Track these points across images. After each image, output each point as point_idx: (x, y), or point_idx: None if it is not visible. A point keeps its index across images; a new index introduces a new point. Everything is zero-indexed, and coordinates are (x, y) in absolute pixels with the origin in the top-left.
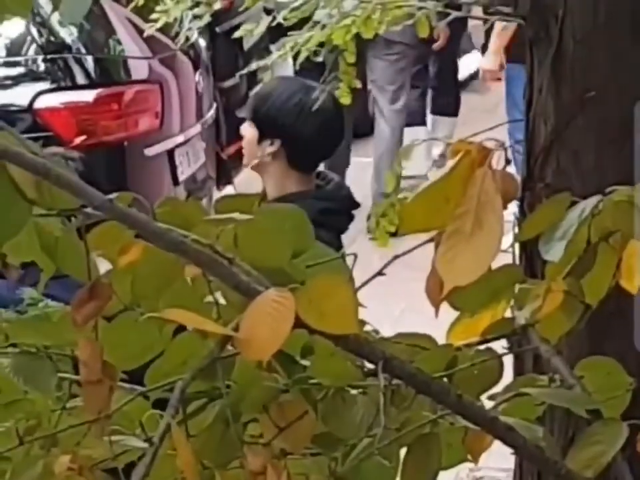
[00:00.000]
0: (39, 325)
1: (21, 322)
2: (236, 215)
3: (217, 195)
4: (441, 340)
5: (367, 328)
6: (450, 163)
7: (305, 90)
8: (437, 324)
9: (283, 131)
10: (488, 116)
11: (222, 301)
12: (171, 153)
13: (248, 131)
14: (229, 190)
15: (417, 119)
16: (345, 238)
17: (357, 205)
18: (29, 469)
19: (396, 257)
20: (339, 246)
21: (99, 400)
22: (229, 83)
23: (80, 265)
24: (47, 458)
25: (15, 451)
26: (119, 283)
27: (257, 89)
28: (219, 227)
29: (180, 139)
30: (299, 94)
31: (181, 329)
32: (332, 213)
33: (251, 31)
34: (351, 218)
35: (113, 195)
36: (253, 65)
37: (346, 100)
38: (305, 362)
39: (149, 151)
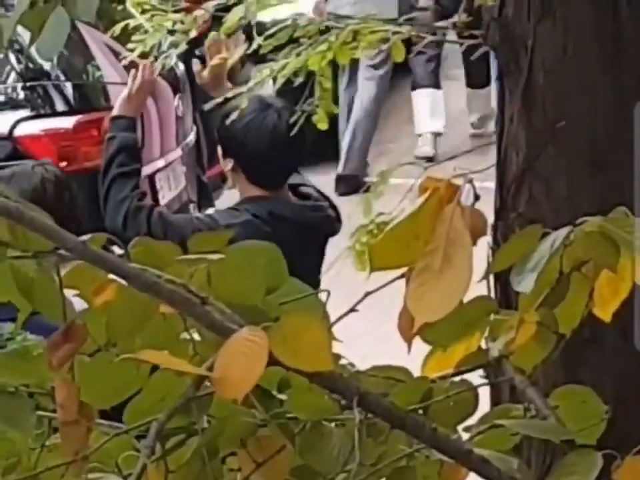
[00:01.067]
0: (17, 362)
1: (1, 359)
2: (208, 255)
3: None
4: (419, 366)
5: (343, 361)
6: (419, 200)
7: (259, 109)
8: (417, 347)
9: (232, 149)
10: None
11: (197, 337)
12: (151, 178)
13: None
14: (209, 212)
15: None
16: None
17: (333, 230)
18: None
19: (367, 293)
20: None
21: (76, 440)
22: (208, 106)
23: (56, 306)
24: None
25: None
26: (94, 323)
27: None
28: (192, 267)
29: (160, 163)
30: (251, 114)
31: (157, 366)
32: (282, 220)
33: (227, 58)
34: (318, 235)
35: (86, 237)
36: (229, 93)
37: (323, 125)
38: (281, 396)
39: None
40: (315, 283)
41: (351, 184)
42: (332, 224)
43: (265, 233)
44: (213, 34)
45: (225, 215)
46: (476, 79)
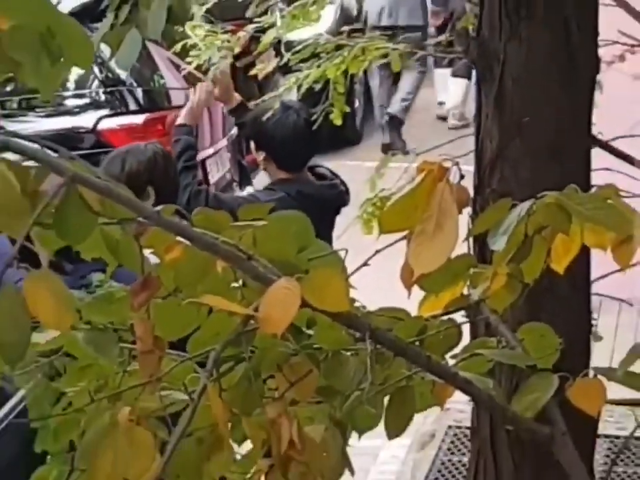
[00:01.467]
0: (105, 305)
1: (91, 303)
2: (253, 222)
3: (238, 193)
4: (414, 312)
5: (357, 304)
6: (417, 179)
7: (282, 111)
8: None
9: (264, 143)
10: None
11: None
12: (203, 162)
13: (252, 143)
14: (249, 190)
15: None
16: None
17: (344, 202)
18: (98, 419)
19: (377, 251)
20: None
21: (151, 366)
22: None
23: (136, 261)
24: (112, 410)
25: (88, 406)
26: (165, 275)
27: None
28: (241, 231)
29: (210, 151)
30: (277, 115)
31: (213, 308)
32: (306, 197)
33: (262, 69)
34: (332, 208)
35: (159, 207)
36: (265, 97)
37: (337, 121)
38: (309, 331)
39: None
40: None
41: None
42: (343, 198)
43: (294, 207)
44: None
45: (263, 194)
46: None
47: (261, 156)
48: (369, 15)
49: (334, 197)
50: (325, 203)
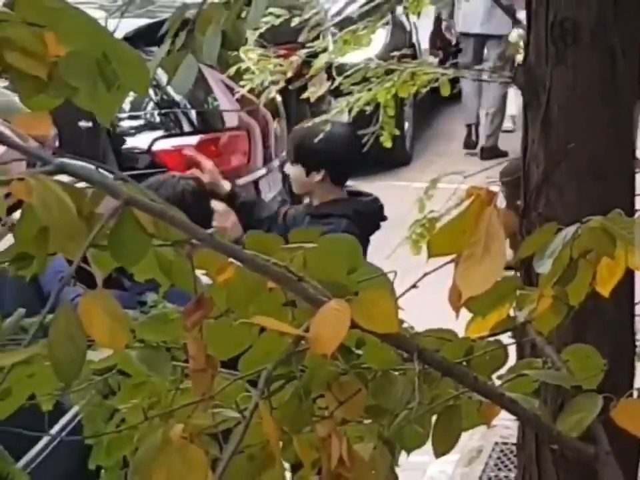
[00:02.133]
0: (158, 324)
1: (145, 322)
2: (304, 245)
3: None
4: (460, 333)
5: (405, 325)
6: (465, 203)
7: (328, 126)
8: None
9: (318, 162)
10: None
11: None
12: (256, 183)
13: (292, 170)
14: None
15: None
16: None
17: (384, 217)
18: (151, 436)
19: (425, 274)
20: (361, 238)
21: (204, 384)
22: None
23: (189, 281)
24: (165, 427)
25: (141, 423)
26: (217, 295)
27: (292, 138)
28: (292, 253)
29: (263, 171)
30: (327, 132)
31: (265, 328)
32: (361, 214)
33: (314, 92)
34: (376, 222)
35: (211, 230)
36: (317, 119)
37: (387, 143)
38: (358, 351)
39: (240, 182)
40: None
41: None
42: (383, 212)
43: (355, 228)
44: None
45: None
46: None
47: (317, 177)
48: (461, 21)
49: (378, 212)
50: (372, 218)
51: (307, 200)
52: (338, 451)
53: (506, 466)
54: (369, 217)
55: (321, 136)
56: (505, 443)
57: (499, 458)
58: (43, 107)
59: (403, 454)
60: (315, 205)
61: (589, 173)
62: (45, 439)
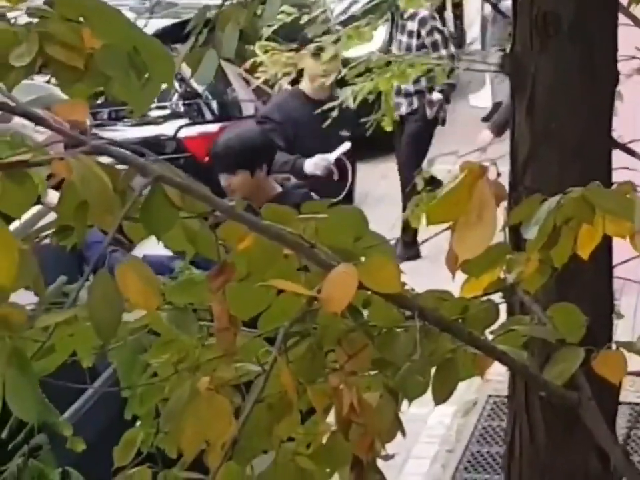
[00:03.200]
0: (185, 288)
1: (174, 286)
2: (315, 215)
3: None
4: (456, 295)
5: (407, 287)
6: (460, 177)
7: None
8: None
9: (266, 156)
10: None
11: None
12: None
13: (237, 180)
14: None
15: None
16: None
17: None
18: (180, 388)
19: (424, 240)
20: None
21: (227, 341)
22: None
23: (212, 249)
24: (192, 380)
25: (171, 375)
26: (238, 262)
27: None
28: (304, 223)
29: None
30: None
31: (281, 290)
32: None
33: (322, 82)
34: None
35: (231, 203)
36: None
37: (388, 127)
38: (365, 311)
39: None
40: None
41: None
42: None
43: None
44: None
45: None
46: None
47: (260, 174)
48: None
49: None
50: None
51: None
52: (349, 399)
53: (499, 416)
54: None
55: (250, 136)
56: (498, 396)
57: (492, 409)
58: (80, 94)
59: (405, 406)
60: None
61: (570, 150)
62: (86, 394)
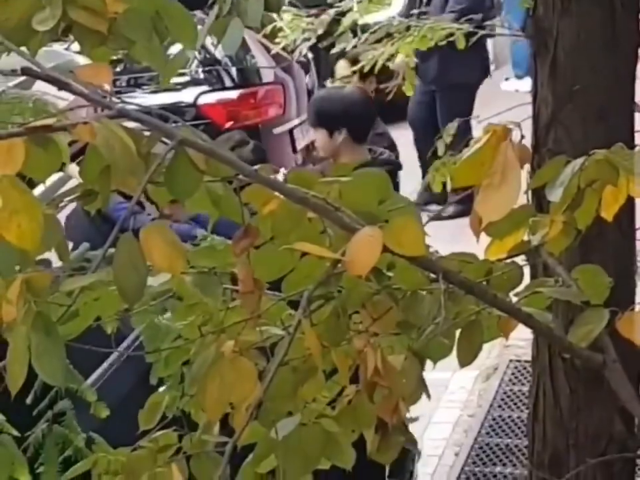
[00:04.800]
0: (208, 253)
1: (197, 251)
2: (339, 179)
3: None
4: (481, 257)
5: (431, 250)
6: (484, 139)
7: (341, 88)
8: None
9: (345, 121)
10: None
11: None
12: (291, 131)
13: (316, 135)
14: None
15: None
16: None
17: (401, 167)
18: (205, 351)
19: (449, 203)
20: None
21: (252, 304)
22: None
23: (236, 213)
24: (217, 342)
25: (196, 338)
26: (263, 225)
27: (311, 104)
28: (329, 186)
29: (296, 121)
30: (341, 92)
31: (305, 253)
32: (390, 173)
33: (343, 49)
34: (394, 179)
35: (257, 166)
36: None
37: (409, 92)
38: (389, 274)
39: (276, 131)
40: None
41: None
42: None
43: None
44: None
45: None
46: None
47: (338, 138)
48: None
49: (397, 168)
50: (392, 175)
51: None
52: (373, 361)
53: (520, 381)
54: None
55: (338, 98)
56: (519, 361)
57: (513, 374)
58: (104, 58)
59: (429, 369)
60: None
61: (593, 112)
62: (109, 360)
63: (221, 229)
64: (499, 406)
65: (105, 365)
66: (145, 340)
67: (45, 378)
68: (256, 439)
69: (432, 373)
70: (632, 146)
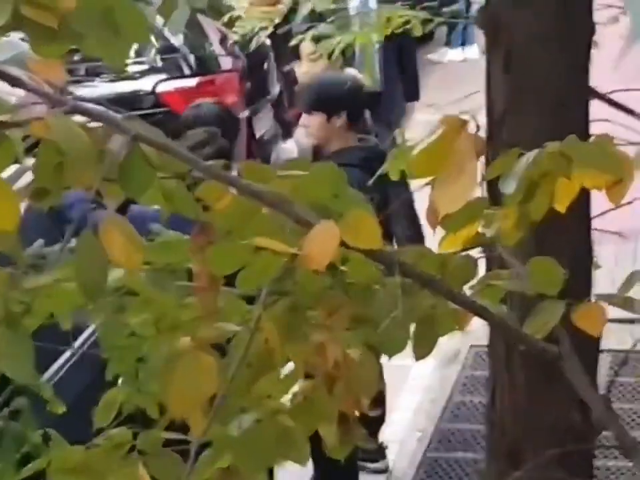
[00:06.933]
0: (162, 250)
1: (153, 246)
2: (295, 172)
3: (281, 144)
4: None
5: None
6: (441, 130)
7: (338, 74)
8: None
9: (347, 105)
10: None
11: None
12: (249, 119)
13: (311, 119)
14: (289, 142)
15: None
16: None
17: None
18: (161, 347)
19: (404, 195)
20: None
21: (208, 300)
22: (287, 68)
23: (189, 208)
24: (174, 340)
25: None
26: (216, 220)
27: (310, 88)
28: (283, 181)
29: (255, 108)
30: (340, 78)
31: (259, 248)
32: (368, 160)
33: (301, 39)
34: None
35: (210, 162)
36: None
37: (369, 83)
38: (343, 268)
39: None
40: None
41: None
42: (385, 155)
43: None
44: None
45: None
46: None
47: (339, 122)
48: None
49: (382, 156)
50: (378, 162)
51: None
52: (334, 355)
53: (481, 366)
54: (374, 161)
55: (339, 82)
56: (480, 345)
57: (474, 359)
58: (54, 54)
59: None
60: (326, 157)
61: (548, 103)
62: (65, 356)
63: (174, 222)
64: (461, 391)
65: (61, 360)
66: (101, 336)
67: (12, 375)
68: (211, 435)
69: (393, 359)
70: (587, 137)
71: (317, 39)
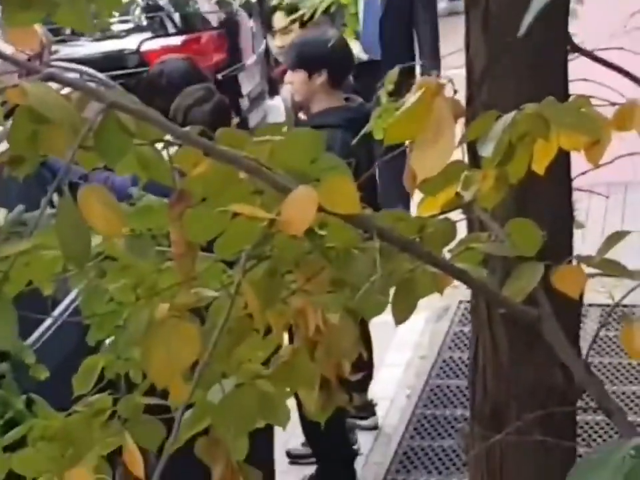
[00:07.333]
0: (143, 214)
1: (132, 212)
2: (272, 137)
3: (268, 102)
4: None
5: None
6: (418, 94)
7: (323, 33)
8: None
9: (327, 64)
10: None
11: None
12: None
13: (294, 76)
14: (277, 99)
15: None
16: None
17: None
18: (140, 313)
19: (383, 160)
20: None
21: (186, 266)
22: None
23: (165, 176)
24: (152, 306)
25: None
26: (193, 187)
27: (293, 46)
28: (260, 146)
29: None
30: (324, 37)
31: (236, 214)
32: (352, 121)
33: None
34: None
35: (187, 128)
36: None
37: (350, 38)
38: (322, 232)
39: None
40: None
41: None
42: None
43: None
44: None
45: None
46: None
47: (320, 79)
48: None
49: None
50: (362, 122)
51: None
52: (314, 319)
53: (470, 321)
54: (359, 122)
55: (321, 40)
56: (469, 301)
57: (463, 315)
58: (27, 22)
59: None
60: (310, 115)
61: (526, 65)
62: (47, 322)
63: (151, 186)
64: (450, 347)
65: (43, 327)
66: (82, 302)
67: None
68: (192, 400)
69: (382, 316)
70: (565, 98)
71: (289, 10)
